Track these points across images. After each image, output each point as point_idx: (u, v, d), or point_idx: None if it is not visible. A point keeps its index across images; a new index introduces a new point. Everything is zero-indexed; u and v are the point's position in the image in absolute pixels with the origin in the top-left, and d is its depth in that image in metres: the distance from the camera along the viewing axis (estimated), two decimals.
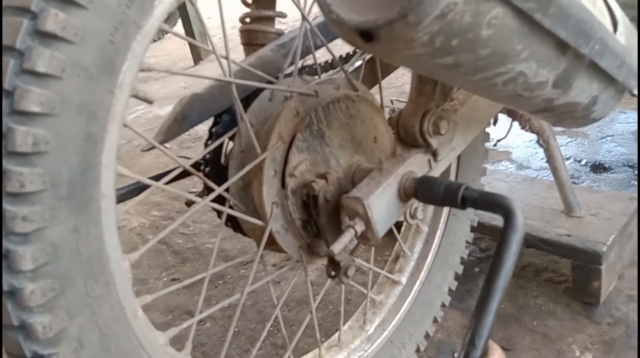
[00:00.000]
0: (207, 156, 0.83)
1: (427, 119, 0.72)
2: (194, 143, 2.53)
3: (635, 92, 0.77)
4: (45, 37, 0.47)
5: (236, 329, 1.23)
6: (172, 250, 1.68)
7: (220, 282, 1.46)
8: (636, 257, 1.23)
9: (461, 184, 0.66)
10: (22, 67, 0.47)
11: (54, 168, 0.48)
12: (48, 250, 0.48)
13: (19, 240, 0.47)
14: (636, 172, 1.55)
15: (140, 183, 0.74)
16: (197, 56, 3.99)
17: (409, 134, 0.73)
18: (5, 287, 0.47)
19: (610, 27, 0.62)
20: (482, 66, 0.50)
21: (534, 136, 1.86)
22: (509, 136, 1.32)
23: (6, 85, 0.46)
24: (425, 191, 0.69)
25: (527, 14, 0.46)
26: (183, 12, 3.91)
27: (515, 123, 1.27)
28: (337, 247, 0.67)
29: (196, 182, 2.03)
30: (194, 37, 3.89)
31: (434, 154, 0.76)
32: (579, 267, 1.12)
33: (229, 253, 1.60)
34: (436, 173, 0.79)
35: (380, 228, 0.69)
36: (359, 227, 0.68)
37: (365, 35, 0.42)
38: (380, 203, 0.69)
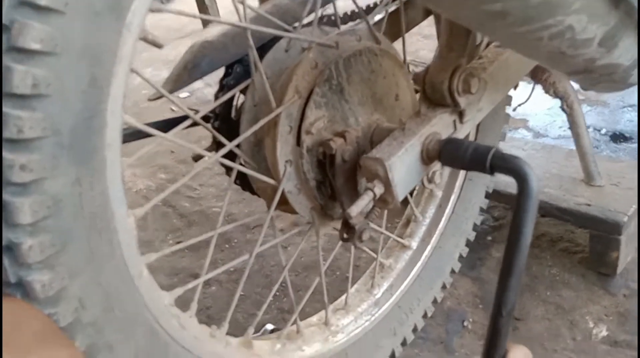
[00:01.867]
0: (217, 109, 0.78)
1: (457, 76, 0.67)
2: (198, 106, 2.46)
3: None
4: None
5: (242, 293, 1.21)
6: (178, 213, 1.65)
7: (227, 246, 1.44)
8: None
9: (491, 148, 0.62)
10: None
11: (55, 113, 0.44)
12: (48, 202, 0.44)
13: (17, 190, 0.43)
14: None
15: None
16: (206, 21, 3.87)
17: (436, 91, 0.68)
18: (3, 241, 0.44)
19: None
20: (531, 17, 0.45)
21: (551, 104, 1.81)
22: (527, 104, 1.27)
23: (4, 19, 0.42)
24: (451, 153, 0.65)
25: None
26: None
27: (538, 87, 1.22)
28: (354, 210, 0.63)
29: (204, 144, 1.99)
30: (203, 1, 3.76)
31: (461, 114, 0.71)
32: (597, 237, 1.09)
33: (236, 216, 1.57)
34: (460, 135, 0.75)
35: (401, 191, 0.66)
36: (378, 190, 0.64)
37: None
38: (402, 165, 0.65)
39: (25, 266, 0.45)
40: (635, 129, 1.59)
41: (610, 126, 1.63)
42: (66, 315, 0.47)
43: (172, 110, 2.47)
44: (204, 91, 2.65)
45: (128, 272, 0.52)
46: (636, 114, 1.66)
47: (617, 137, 1.57)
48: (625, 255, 1.12)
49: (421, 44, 2.53)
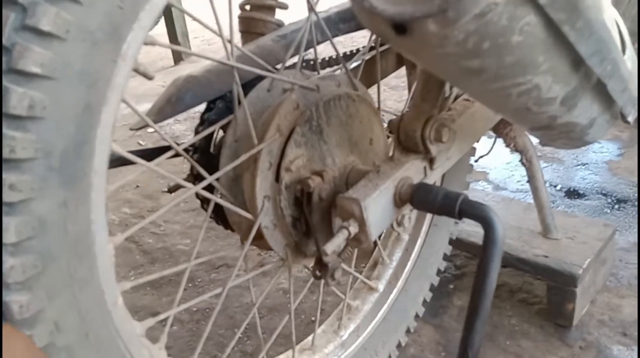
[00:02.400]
0: (196, 142, 0.80)
1: (429, 126, 0.71)
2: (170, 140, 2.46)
3: (630, 119, 0.78)
4: None
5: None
6: (142, 249, 1.63)
7: (190, 285, 1.42)
8: (607, 282, 1.26)
9: (460, 194, 0.66)
10: (24, 23, 0.43)
11: (48, 135, 0.45)
12: (34, 223, 0.45)
13: (4, 209, 0.43)
14: (609, 200, 1.59)
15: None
16: (178, 55, 3.90)
17: (410, 138, 0.72)
18: None
19: (620, 50, 0.62)
20: (504, 74, 0.49)
21: (510, 159, 1.91)
22: (487, 157, 1.34)
23: (5, 41, 0.43)
24: (422, 197, 0.68)
25: (557, 24, 0.45)
26: (167, 11, 3.80)
27: (498, 141, 1.28)
28: (329, 247, 0.65)
29: (170, 181, 1.98)
30: (175, 37, 3.79)
31: (431, 161, 0.75)
32: (554, 288, 1.13)
33: (201, 254, 1.56)
34: (430, 181, 0.79)
35: (374, 231, 0.68)
36: (353, 228, 0.67)
37: (398, 28, 0.40)
38: (376, 206, 0.68)
39: (5, 286, 0.44)
40: (588, 186, 1.68)
41: (565, 182, 1.72)
42: (42, 337, 0.46)
43: (139, 144, 2.46)
44: (173, 126, 2.65)
45: (104, 299, 0.52)
46: (588, 172, 1.76)
47: (572, 193, 1.66)
48: (581, 307, 1.16)
49: (388, 94, 2.63)
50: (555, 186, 1.70)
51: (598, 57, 0.53)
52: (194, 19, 0.61)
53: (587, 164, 1.80)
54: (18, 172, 0.44)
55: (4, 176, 0.43)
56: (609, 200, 1.60)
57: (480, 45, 0.42)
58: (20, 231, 0.44)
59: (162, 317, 0.63)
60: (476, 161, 1.30)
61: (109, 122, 0.50)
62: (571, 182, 1.71)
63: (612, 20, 0.57)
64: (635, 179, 1.67)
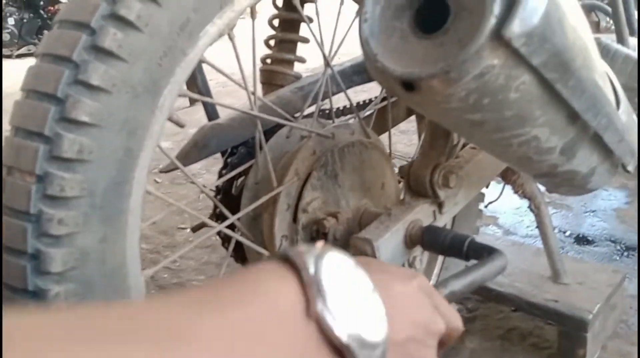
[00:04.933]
0: (219, 185, 0.85)
1: (437, 172, 0.75)
2: (186, 179, 2.53)
3: (630, 168, 0.82)
4: (102, 53, 0.50)
5: None
6: (157, 284, 1.66)
7: None
8: (618, 329, 1.26)
9: (467, 236, 0.69)
10: (77, 78, 0.49)
11: (93, 176, 0.50)
12: (77, 255, 0.49)
13: (51, 241, 0.48)
14: (618, 247, 1.61)
15: None
16: (193, 98, 4.03)
17: (419, 184, 0.76)
18: (30, 287, 0.48)
19: (614, 105, 0.67)
20: (504, 126, 0.54)
21: (519, 204, 1.94)
22: (497, 202, 1.37)
23: (59, 93, 0.49)
24: (431, 239, 0.72)
25: (550, 83, 0.50)
26: None
27: (507, 187, 1.32)
28: None
29: (185, 218, 2.04)
30: (193, 81, 3.93)
31: (440, 205, 0.79)
32: (565, 333, 1.14)
33: None
34: (439, 224, 0.82)
35: None
36: None
37: (406, 86, 0.46)
38: (388, 247, 0.72)
39: None
40: (597, 233, 1.70)
41: (575, 228, 1.74)
42: None
43: (156, 181, 2.53)
44: (190, 166, 2.73)
45: None
46: (597, 219, 1.78)
47: (581, 240, 1.68)
48: (592, 353, 1.17)
49: (398, 138, 2.69)
50: (564, 233, 1.72)
51: (592, 112, 0.58)
52: (222, 73, 0.67)
53: (595, 211, 1.83)
54: (66, 208, 0.49)
55: (53, 211, 0.48)
56: (618, 247, 1.61)
57: (480, 101, 0.47)
58: (65, 262, 0.49)
59: None
60: (486, 206, 1.34)
61: (145, 165, 0.56)
62: (580, 228, 1.73)
63: (605, 77, 0.62)
64: None
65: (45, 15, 4.28)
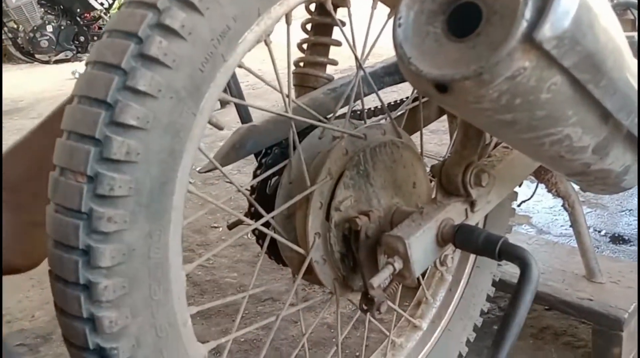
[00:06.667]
0: (254, 184, 0.87)
1: (469, 171, 0.76)
2: (218, 180, 2.58)
3: None
4: (148, 60, 0.53)
5: None
6: (191, 281, 1.71)
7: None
8: None
9: (501, 237, 0.70)
10: (125, 84, 0.52)
11: (140, 176, 0.53)
12: (124, 250, 0.52)
13: (101, 238, 0.51)
14: None
15: None
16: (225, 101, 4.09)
17: (451, 182, 0.77)
18: (81, 280, 0.51)
19: None
20: (536, 126, 0.55)
21: (553, 203, 1.91)
22: (530, 201, 1.36)
23: (109, 98, 0.52)
24: (464, 238, 0.73)
25: (582, 83, 0.51)
26: None
27: (541, 186, 1.32)
28: (376, 281, 0.70)
29: (218, 217, 2.09)
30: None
31: (472, 204, 0.80)
32: (600, 332, 1.14)
33: (247, 288, 1.62)
34: (471, 222, 0.83)
35: (417, 268, 0.73)
36: (398, 265, 0.72)
37: (440, 87, 0.47)
38: (420, 245, 0.73)
39: (97, 303, 0.52)
40: (633, 232, 1.67)
41: (610, 228, 1.71)
42: (125, 350, 0.53)
43: (189, 182, 2.58)
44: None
45: (176, 320, 0.59)
46: (633, 218, 1.75)
47: (617, 239, 1.65)
48: (628, 352, 1.15)
49: (429, 137, 2.68)
50: (599, 232, 1.69)
51: (624, 111, 0.58)
52: (259, 77, 0.70)
53: (631, 209, 1.79)
54: (114, 207, 0.52)
55: (103, 210, 0.51)
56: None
57: (512, 102, 0.48)
58: (113, 257, 0.52)
59: (223, 340, 0.69)
60: (519, 205, 1.33)
61: (187, 166, 0.59)
62: (616, 228, 1.70)
63: (636, 74, 0.62)
64: None
65: (81, 22, 4.41)
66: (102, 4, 4.58)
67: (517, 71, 0.44)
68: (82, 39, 4.46)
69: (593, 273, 1.26)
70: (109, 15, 5.02)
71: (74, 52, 4.54)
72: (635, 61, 0.67)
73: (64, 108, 0.76)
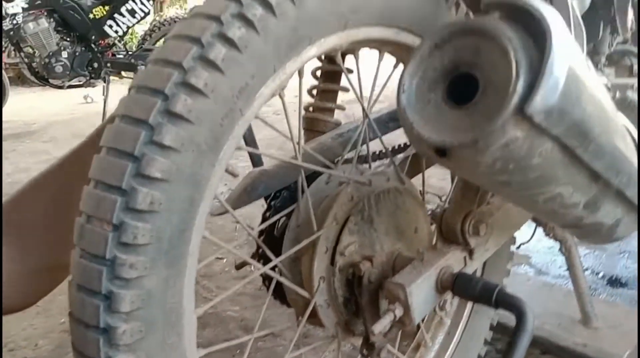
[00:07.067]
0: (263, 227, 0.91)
1: (468, 220, 0.80)
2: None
3: None
4: (174, 116, 0.56)
5: None
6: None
7: (238, 351, 1.49)
8: None
9: (497, 286, 0.74)
10: (152, 139, 0.56)
11: (161, 225, 0.57)
12: (143, 296, 0.56)
13: (122, 284, 0.55)
14: None
15: None
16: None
17: (450, 231, 0.81)
18: (101, 324, 0.54)
19: (635, 162, 0.71)
20: (529, 186, 0.59)
21: (553, 243, 1.94)
22: (530, 241, 1.39)
23: (136, 152, 0.56)
24: (462, 286, 0.76)
25: (571, 149, 0.55)
26: None
27: (539, 229, 1.35)
28: (377, 328, 0.73)
29: (223, 250, 2.12)
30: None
31: (471, 252, 0.84)
32: None
33: (249, 322, 1.65)
34: (470, 270, 0.87)
35: (417, 315, 0.76)
36: (398, 312, 0.75)
37: (439, 152, 0.51)
38: (420, 292, 0.76)
39: (115, 347, 0.55)
40: (630, 275, 1.70)
41: (608, 270, 1.74)
42: None
43: None
44: None
45: None
46: (631, 261, 1.78)
47: (614, 281, 1.67)
48: None
49: (431, 171, 2.72)
50: (597, 274, 1.72)
51: (612, 172, 0.63)
52: (272, 127, 0.74)
53: (630, 252, 1.82)
54: (137, 254, 0.55)
55: (126, 257, 0.55)
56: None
57: (506, 166, 0.52)
58: (133, 302, 0.55)
59: None
60: (518, 247, 1.36)
61: (204, 213, 0.63)
62: (614, 270, 1.73)
63: (624, 134, 0.66)
64: None
65: (95, 49, 4.51)
66: (116, 32, 4.67)
67: (510, 140, 0.49)
68: (95, 65, 4.54)
69: (588, 317, 1.29)
70: (122, 42, 5.12)
71: (87, 77, 4.63)
72: (622, 117, 0.71)
73: (78, 152, 0.78)
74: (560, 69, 0.47)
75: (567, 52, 0.48)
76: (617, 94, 0.90)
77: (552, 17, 0.48)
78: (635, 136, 0.75)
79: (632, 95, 0.91)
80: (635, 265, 1.75)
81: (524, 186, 0.59)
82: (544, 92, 0.48)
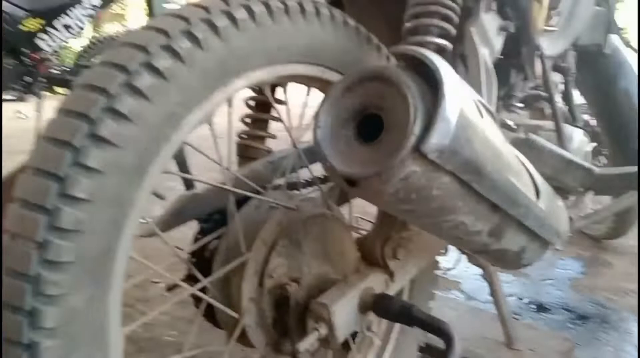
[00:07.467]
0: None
1: (387, 245, 0.86)
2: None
3: (558, 247, 0.94)
4: (99, 140, 0.59)
5: None
6: (130, 338, 1.70)
7: None
8: None
9: (412, 305, 0.79)
10: (76, 160, 0.59)
11: (85, 245, 0.59)
12: (67, 313, 0.58)
13: (46, 300, 0.56)
14: (572, 315, 1.71)
15: None
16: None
17: (371, 255, 0.87)
18: (25, 340, 0.56)
19: (533, 196, 0.79)
20: (432, 214, 0.65)
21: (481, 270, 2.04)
22: (460, 267, 1.47)
23: (60, 172, 0.58)
24: (382, 305, 0.82)
25: (466, 182, 0.62)
26: None
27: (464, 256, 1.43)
28: (302, 346, 0.77)
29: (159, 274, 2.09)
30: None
31: (391, 275, 0.89)
32: None
33: (185, 347, 1.63)
34: (391, 291, 0.92)
35: (341, 334, 0.80)
36: (323, 330, 0.79)
37: (350, 182, 0.57)
38: (343, 312, 0.81)
39: None
40: (553, 301, 1.81)
41: (532, 296, 1.84)
42: None
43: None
44: None
45: None
46: (553, 288, 1.89)
47: (538, 307, 1.78)
48: None
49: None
50: (522, 299, 1.82)
51: (508, 204, 0.70)
52: (202, 153, 0.78)
53: (552, 279, 1.94)
54: (60, 272, 0.57)
55: (49, 274, 0.57)
56: (572, 315, 1.72)
57: (408, 196, 0.58)
58: (56, 319, 0.57)
59: None
60: (444, 273, 1.44)
61: (130, 233, 0.65)
62: (538, 296, 1.84)
63: (521, 173, 0.74)
64: (596, 297, 1.80)
65: (28, 63, 4.34)
66: (50, 46, 4.50)
67: (409, 173, 0.55)
68: (28, 79, 4.37)
69: (511, 340, 1.37)
70: (57, 57, 4.96)
71: (21, 92, 4.46)
72: (522, 159, 0.79)
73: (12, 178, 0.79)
74: (451, 114, 0.54)
75: (458, 100, 0.54)
76: (522, 134, 0.99)
77: (445, 69, 0.55)
78: (534, 174, 0.83)
79: (536, 137, 1.00)
80: (557, 291, 1.86)
81: (428, 214, 0.65)
82: (438, 133, 0.54)
